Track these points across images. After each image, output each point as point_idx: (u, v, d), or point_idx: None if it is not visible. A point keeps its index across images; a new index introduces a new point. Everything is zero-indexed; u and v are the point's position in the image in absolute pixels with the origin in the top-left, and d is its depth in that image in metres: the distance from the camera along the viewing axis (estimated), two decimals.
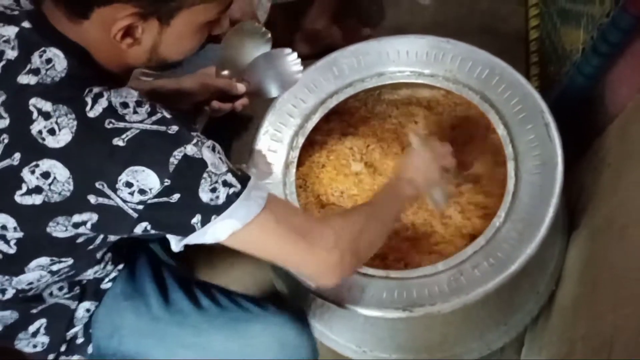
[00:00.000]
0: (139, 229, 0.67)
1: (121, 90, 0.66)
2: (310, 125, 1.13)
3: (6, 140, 0.64)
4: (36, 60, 0.65)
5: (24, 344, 0.82)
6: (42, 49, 0.65)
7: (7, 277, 0.73)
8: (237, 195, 0.67)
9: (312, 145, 1.18)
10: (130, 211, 0.64)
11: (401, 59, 1.14)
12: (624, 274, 0.83)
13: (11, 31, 0.67)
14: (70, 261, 0.74)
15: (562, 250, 1.11)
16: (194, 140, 0.65)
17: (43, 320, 0.83)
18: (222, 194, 0.66)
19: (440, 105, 1.24)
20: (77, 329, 0.87)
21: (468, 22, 1.63)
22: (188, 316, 0.89)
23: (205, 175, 0.65)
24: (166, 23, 0.67)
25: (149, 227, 0.66)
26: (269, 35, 1.02)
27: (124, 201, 0.64)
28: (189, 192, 0.64)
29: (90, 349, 0.88)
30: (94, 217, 0.65)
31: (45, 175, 0.63)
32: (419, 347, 1.11)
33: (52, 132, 0.63)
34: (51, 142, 0.63)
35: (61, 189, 0.64)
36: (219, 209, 0.66)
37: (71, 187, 0.63)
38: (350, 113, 1.25)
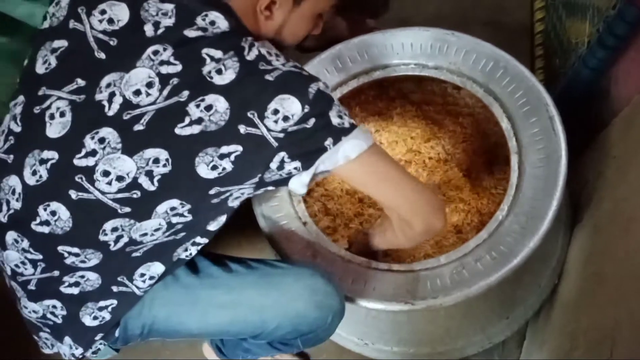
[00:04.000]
0: (275, 162, 0.76)
1: (264, 42, 0.82)
2: None
3: (175, 82, 0.76)
4: (200, 22, 0.79)
5: (88, 313, 0.85)
6: (204, 13, 0.79)
7: (131, 221, 0.79)
8: (356, 126, 0.79)
9: None
10: (272, 140, 0.75)
11: (405, 52, 1.14)
12: (627, 268, 0.83)
13: (169, 6, 0.80)
14: (189, 218, 0.81)
15: (565, 244, 1.11)
16: (322, 81, 0.79)
17: (114, 301, 0.86)
18: (347, 121, 0.78)
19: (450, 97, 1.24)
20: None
21: (473, 15, 1.62)
22: (219, 278, 0.91)
23: (333, 105, 0.78)
24: (297, 4, 0.86)
25: (285, 158, 0.76)
26: None
27: (269, 130, 0.75)
28: (323, 116, 0.76)
29: (117, 332, 0.88)
30: (239, 148, 0.75)
31: (208, 107, 0.75)
32: (421, 340, 1.11)
33: (219, 72, 0.76)
34: (218, 80, 0.75)
35: (218, 119, 0.75)
36: (346, 131, 0.77)
37: (227, 117, 0.75)
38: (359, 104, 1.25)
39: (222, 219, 0.84)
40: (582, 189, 1.11)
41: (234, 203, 0.82)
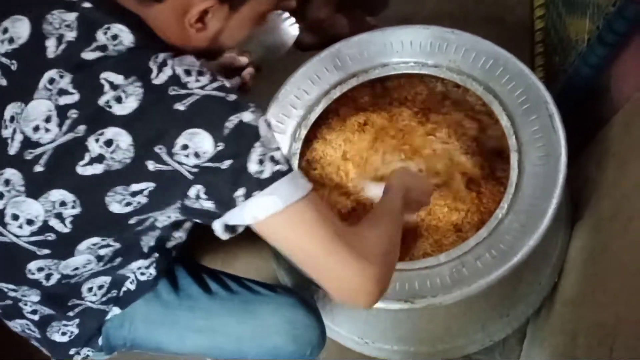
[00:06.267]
0: (192, 192, 0.66)
1: (184, 58, 0.68)
2: (314, 116, 1.12)
3: (73, 115, 0.66)
4: (101, 37, 0.67)
5: (55, 330, 0.85)
6: (106, 26, 0.67)
7: (55, 260, 0.74)
8: (282, 174, 0.66)
9: (314, 137, 1.17)
10: (186, 173, 0.65)
11: (405, 50, 1.13)
12: (627, 265, 0.83)
13: (72, 16, 0.69)
14: (117, 245, 0.74)
15: (565, 242, 1.11)
16: (251, 109, 0.66)
17: (76, 319, 0.85)
18: (268, 169, 0.65)
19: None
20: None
21: (473, 12, 1.62)
22: (198, 300, 0.90)
23: (256, 145, 0.65)
24: (234, 9, 0.70)
25: (202, 192, 0.66)
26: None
27: (180, 164, 0.65)
28: (239, 158, 0.64)
29: (100, 341, 0.88)
30: (151, 185, 0.66)
31: (108, 143, 0.65)
32: (421, 339, 1.11)
33: (119, 100, 0.65)
34: (117, 110, 0.65)
35: (122, 157, 0.65)
36: (262, 184, 0.65)
37: (132, 154, 0.65)
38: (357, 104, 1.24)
39: (170, 240, 0.82)
40: (582, 187, 1.11)
41: (164, 224, 0.74)
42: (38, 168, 0.68)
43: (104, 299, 0.85)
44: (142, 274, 0.86)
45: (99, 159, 0.66)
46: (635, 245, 0.82)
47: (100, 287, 0.83)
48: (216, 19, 0.69)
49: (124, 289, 0.86)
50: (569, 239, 1.11)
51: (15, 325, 0.87)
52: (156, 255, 0.85)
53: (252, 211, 0.65)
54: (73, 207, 0.69)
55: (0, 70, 0.70)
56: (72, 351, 0.87)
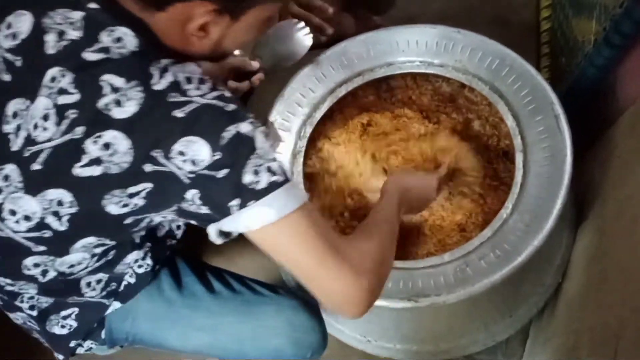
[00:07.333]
0: (189, 196, 0.66)
1: (186, 65, 0.69)
2: (319, 114, 1.12)
3: (72, 115, 0.66)
4: (104, 39, 0.67)
5: (54, 324, 0.85)
6: (110, 28, 0.67)
7: (51, 257, 0.75)
8: (278, 185, 0.66)
9: (319, 135, 1.18)
10: (183, 177, 0.65)
11: (411, 49, 1.13)
12: (631, 267, 0.83)
13: (78, 15, 0.68)
14: (112, 243, 0.75)
15: (569, 242, 1.11)
16: (249, 120, 0.66)
17: (75, 309, 0.85)
18: (264, 179, 0.65)
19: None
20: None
21: (479, 12, 1.61)
22: (201, 299, 0.91)
23: (252, 156, 0.65)
24: (236, 19, 0.70)
25: (197, 197, 0.66)
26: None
27: (178, 168, 0.65)
28: (235, 169, 0.64)
29: (103, 334, 0.89)
30: (148, 185, 0.66)
31: (107, 146, 0.65)
32: (424, 338, 1.11)
33: (118, 103, 0.64)
34: (117, 113, 0.64)
35: (120, 160, 0.65)
36: (257, 195, 0.65)
37: (130, 158, 0.65)
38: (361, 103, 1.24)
39: (160, 229, 0.84)
40: (587, 188, 1.11)
41: (158, 219, 0.73)
42: (36, 166, 0.68)
43: (104, 292, 0.86)
44: (140, 266, 0.87)
45: (97, 161, 0.65)
46: (639, 246, 0.82)
47: (99, 282, 0.84)
48: (218, 27, 0.69)
49: (124, 282, 0.87)
50: (573, 240, 1.11)
51: (17, 317, 0.88)
52: (149, 244, 0.86)
53: (246, 221, 0.66)
54: (70, 207, 0.68)
55: (5, 66, 0.70)
56: (72, 343, 0.88)
